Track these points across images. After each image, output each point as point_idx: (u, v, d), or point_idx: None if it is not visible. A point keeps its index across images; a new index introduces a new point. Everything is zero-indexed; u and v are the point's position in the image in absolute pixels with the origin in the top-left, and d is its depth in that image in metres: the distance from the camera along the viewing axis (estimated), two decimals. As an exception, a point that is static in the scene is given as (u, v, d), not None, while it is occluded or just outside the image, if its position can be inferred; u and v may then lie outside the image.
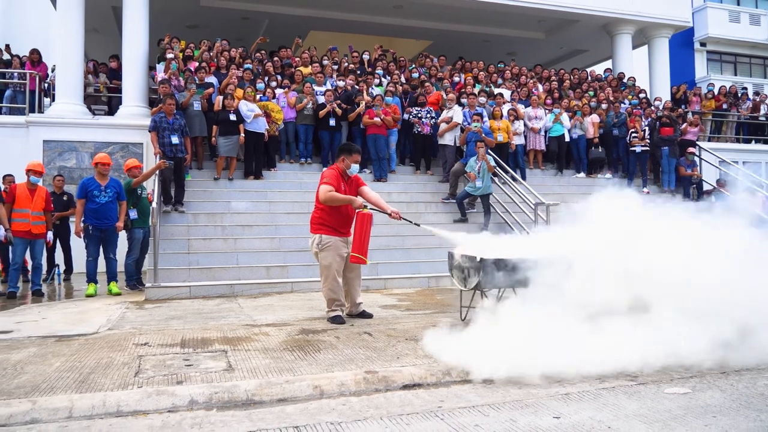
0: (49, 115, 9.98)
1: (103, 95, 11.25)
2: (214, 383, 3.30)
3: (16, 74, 10.70)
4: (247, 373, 3.48)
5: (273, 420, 2.93)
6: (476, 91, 10.77)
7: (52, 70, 11.28)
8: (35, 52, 10.95)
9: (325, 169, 5.73)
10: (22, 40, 15.83)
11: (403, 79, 10.99)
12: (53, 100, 10.40)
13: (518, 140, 10.34)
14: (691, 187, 11.21)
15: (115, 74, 11.23)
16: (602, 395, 3.28)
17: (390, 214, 4.98)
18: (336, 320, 4.96)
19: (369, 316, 5.17)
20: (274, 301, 6.22)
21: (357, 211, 4.86)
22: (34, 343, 4.37)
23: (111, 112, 10.84)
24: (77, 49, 10.23)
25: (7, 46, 11.95)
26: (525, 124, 10.63)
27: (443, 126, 9.74)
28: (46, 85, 11.07)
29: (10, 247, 7.81)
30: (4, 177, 8.45)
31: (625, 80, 13.23)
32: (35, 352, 4.05)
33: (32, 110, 10.19)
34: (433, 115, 9.98)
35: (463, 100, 10.27)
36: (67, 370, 3.58)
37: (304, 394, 3.26)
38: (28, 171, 7.09)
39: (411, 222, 5.34)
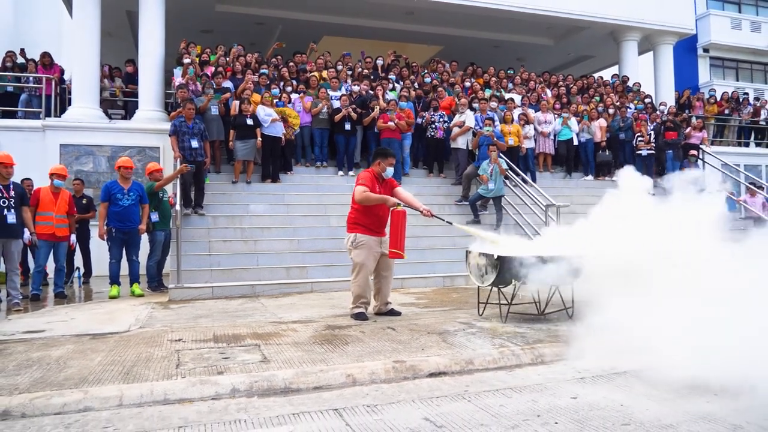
0: (66, 119, 10.12)
1: (119, 99, 11.43)
2: (252, 373, 3.46)
3: (31, 78, 10.79)
4: (282, 364, 3.64)
5: (312, 404, 3.10)
6: (487, 96, 10.99)
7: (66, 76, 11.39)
8: (46, 56, 11.00)
9: (360, 171, 5.95)
10: (33, 44, 16.04)
11: (416, 84, 11.21)
12: (69, 104, 10.55)
13: (528, 144, 10.55)
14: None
15: (131, 78, 11.40)
16: (614, 379, 3.48)
17: (422, 212, 5.17)
18: (359, 317, 5.12)
19: (397, 313, 5.32)
20: (296, 301, 6.39)
21: (391, 209, 5.06)
22: (69, 341, 4.50)
23: (128, 116, 11.04)
24: (93, 53, 10.40)
25: (22, 50, 12.00)
26: (535, 128, 10.84)
27: (456, 130, 9.94)
28: (60, 88, 11.15)
29: (30, 251, 7.97)
30: (22, 181, 8.58)
31: (630, 85, 13.44)
32: (73, 349, 4.19)
33: (48, 114, 10.34)
34: (446, 119, 10.19)
35: (475, 105, 10.48)
36: (110, 364, 3.73)
37: (338, 382, 3.43)
38: (52, 174, 7.21)
39: (443, 220, 5.51)
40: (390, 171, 5.26)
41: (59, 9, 16.03)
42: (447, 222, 5.56)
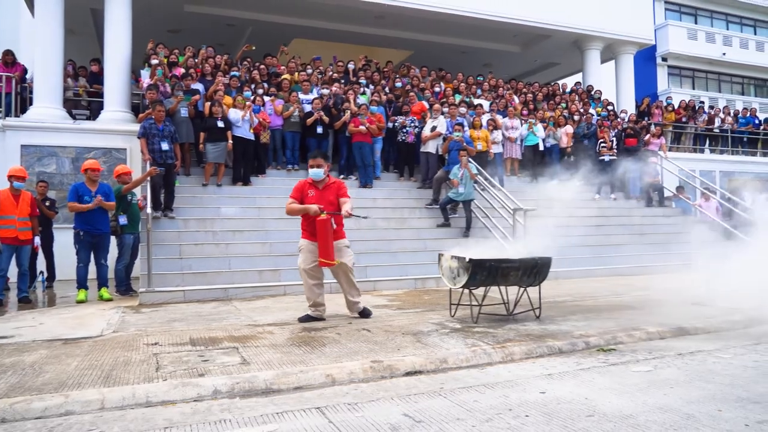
0: (27, 119, 9.82)
1: (83, 99, 11.12)
2: (233, 375, 3.51)
3: (-12, 76, 10.42)
4: (262, 366, 3.71)
5: (295, 404, 3.18)
6: (457, 101, 11.25)
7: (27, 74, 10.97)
8: (9, 54, 10.57)
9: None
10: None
11: (387, 89, 11.35)
12: (30, 103, 10.22)
13: (496, 149, 10.86)
14: (653, 194, 11.98)
15: (96, 78, 11.12)
16: (580, 374, 3.70)
17: (343, 214, 5.13)
18: (301, 318, 5.27)
19: (367, 315, 5.43)
20: (270, 304, 6.42)
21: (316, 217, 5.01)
22: (41, 346, 4.43)
23: (92, 117, 10.76)
24: (56, 52, 10.13)
25: None
26: (502, 134, 11.17)
27: (428, 134, 10.12)
28: (20, 87, 10.73)
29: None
30: (-20, 182, 8.25)
31: (592, 92, 14.01)
32: (47, 354, 4.14)
33: (8, 114, 10.00)
34: (417, 124, 10.37)
35: (444, 109, 10.71)
36: (88, 368, 3.71)
37: (318, 382, 3.52)
38: (10, 177, 6.98)
39: (360, 216, 5.60)
40: (315, 172, 5.16)
41: (18, 5, 15.46)
42: (363, 217, 5.77)
